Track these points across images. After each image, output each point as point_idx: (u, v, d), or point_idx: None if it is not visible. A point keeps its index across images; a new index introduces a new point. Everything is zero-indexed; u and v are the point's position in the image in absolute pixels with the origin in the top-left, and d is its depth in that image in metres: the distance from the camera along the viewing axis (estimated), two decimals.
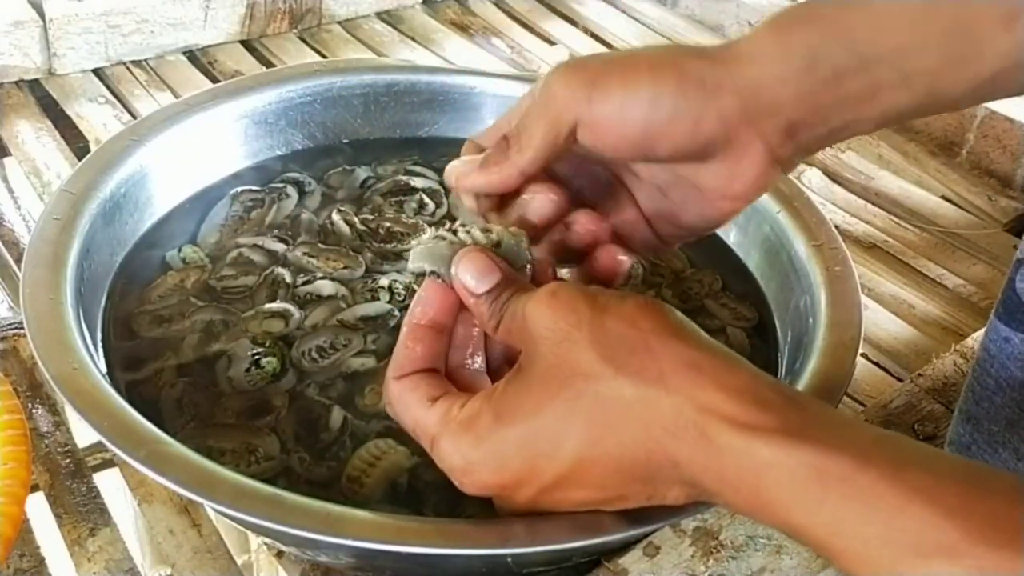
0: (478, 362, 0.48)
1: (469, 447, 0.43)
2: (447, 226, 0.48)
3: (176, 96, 0.96)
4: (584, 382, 0.40)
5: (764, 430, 0.37)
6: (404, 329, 0.47)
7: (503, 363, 0.48)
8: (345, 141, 0.78)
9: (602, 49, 1.16)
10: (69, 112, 0.94)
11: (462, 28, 1.18)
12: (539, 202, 0.49)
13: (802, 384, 0.54)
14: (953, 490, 0.35)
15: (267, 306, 0.63)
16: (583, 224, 0.50)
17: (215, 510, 0.51)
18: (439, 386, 0.45)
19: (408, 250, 0.69)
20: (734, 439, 0.38)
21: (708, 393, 0.38)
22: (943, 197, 0.94)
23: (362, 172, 0.76)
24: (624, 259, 0.51)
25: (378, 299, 0.65)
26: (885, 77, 0.44)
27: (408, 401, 0.45)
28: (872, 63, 0.44)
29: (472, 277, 0.45)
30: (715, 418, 0.38)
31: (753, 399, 0.38)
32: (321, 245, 0.68)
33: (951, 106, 0.47)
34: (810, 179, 0.95)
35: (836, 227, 0.68)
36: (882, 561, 0.35)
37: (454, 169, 0.50)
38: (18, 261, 0.74)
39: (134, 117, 0.93)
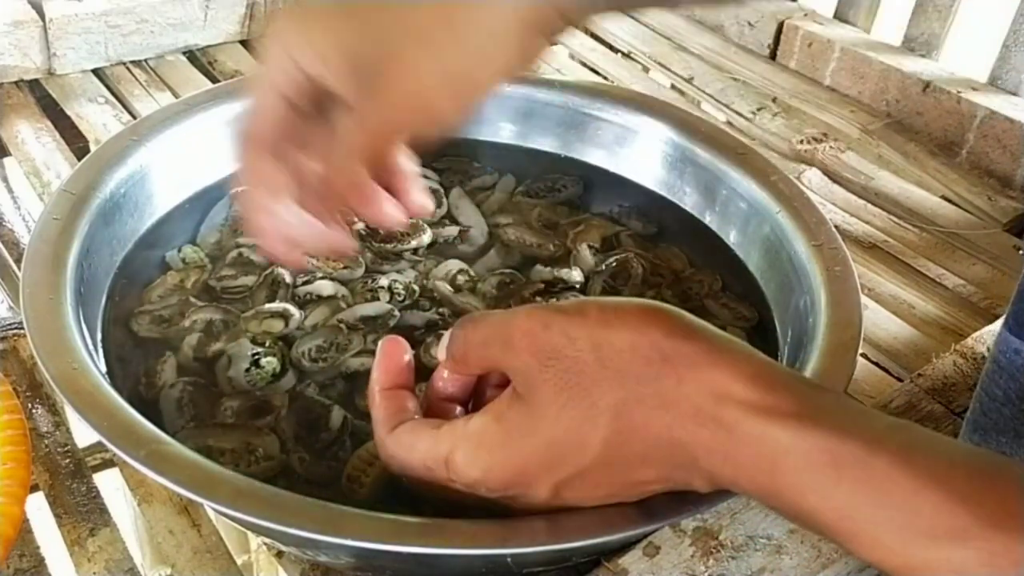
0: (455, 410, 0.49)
1: (486, 453, 0.43)
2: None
3: (176, 96, 0.96)
4: (601, 396, 0.41)
5: (779, 414, 0.38)
6: (375, 394, 0.48)
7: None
8: None
9: (601, 49, 1.16)
10: (69, 112, 0.94)
11: None
12: None
13: None
14: (964, 476, 0.36)
15: (267, 306, 0.63)
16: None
17: (215, 510, 0.51)
18: (435, 421, 0.46)
19: (408, 250, 0.69)
20: (751, 424, 0.39)
21: (724, 384, 0.40)
22: (943, 197, 0.94)
23: None
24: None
25: (378, 299, 0.65)
26: None
27: (411, 441, 0.46)
28: None
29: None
30: (731, 405, 0.39)
31: (767, 384, 0.39)
32: None
33: None
34: (810, 179, 0.95)
35: (836, 227, 0.68)
36: (894, 544, 0.36)
37: None
38: (18, 261, 0.74)
39: (134, 117, 0.93)
